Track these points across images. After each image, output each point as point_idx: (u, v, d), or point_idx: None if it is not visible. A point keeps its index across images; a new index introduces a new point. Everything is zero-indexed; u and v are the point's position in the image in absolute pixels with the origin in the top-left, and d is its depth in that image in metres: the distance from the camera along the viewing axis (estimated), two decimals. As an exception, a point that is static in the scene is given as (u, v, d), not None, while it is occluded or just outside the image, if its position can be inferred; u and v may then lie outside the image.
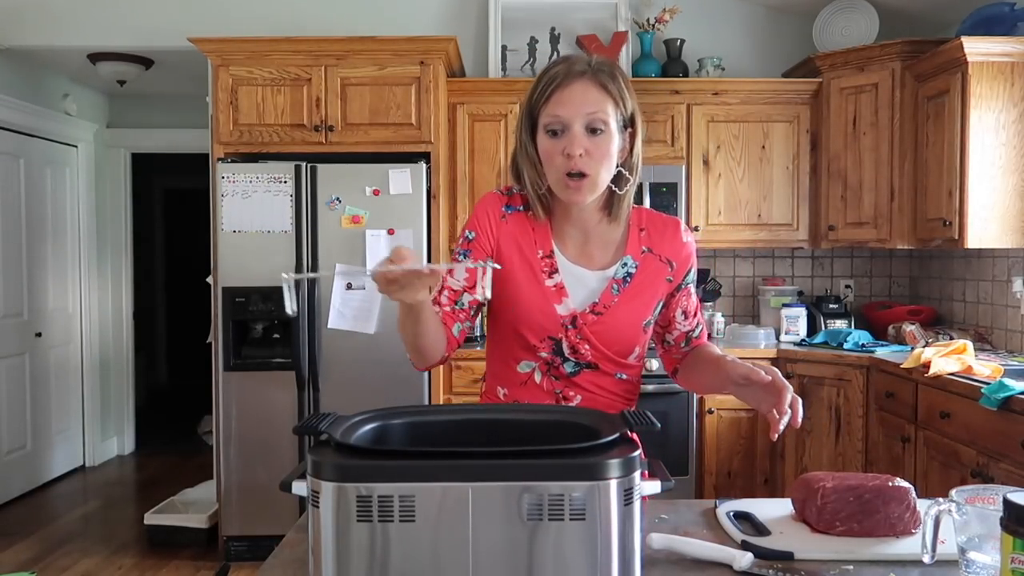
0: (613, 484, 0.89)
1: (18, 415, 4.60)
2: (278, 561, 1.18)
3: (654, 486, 0.95)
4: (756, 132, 3.91)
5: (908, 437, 3.09)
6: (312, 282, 3.48)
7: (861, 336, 3.66)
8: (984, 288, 3.67)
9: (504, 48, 4.09)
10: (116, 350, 5.47)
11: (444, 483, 0.88)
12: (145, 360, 6.98)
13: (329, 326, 3.46)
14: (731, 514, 1.35)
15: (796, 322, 3.85)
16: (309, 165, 3.50)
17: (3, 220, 4.48)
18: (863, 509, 1.25)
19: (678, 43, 4.06)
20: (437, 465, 0.89)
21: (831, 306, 3.98)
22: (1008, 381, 2.53)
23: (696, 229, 3.90)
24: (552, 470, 0.89)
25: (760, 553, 1.18)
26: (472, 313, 1.45)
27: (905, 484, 1.28)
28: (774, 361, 3.67)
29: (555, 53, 4.10)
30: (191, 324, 7.13)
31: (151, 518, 3.78)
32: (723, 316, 4.17)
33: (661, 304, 1.48)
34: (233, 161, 3.55)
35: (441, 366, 1.52)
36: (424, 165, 3.49)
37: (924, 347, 3.17)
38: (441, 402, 3.55)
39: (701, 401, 3.63)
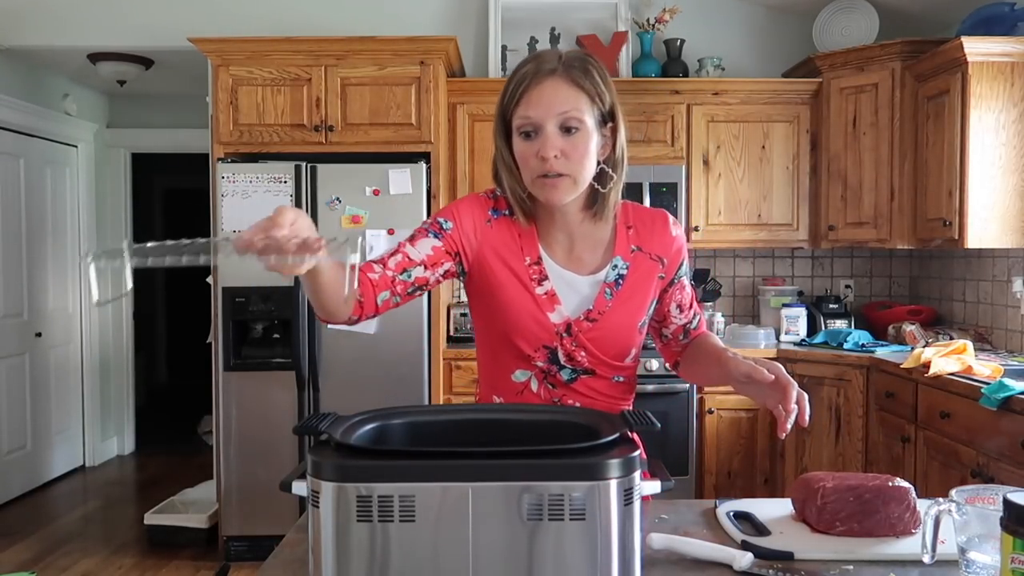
0: (613, 484, 0.89)
1: (18, 415, 4.60)
2: (278, 561, 1.18)
3: (654, 486, 0.95)
4: (756, 132, 3.91)
5: (908, 437, 3.09)
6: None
7: (861, 336, 3.66)
8: (984, 288, 3.67)
9: (504, 48, 4.09)
10: (116, 350, 5.47)
11: (444, 483, 0.88)
12: (145, 360, 6.98)
13: (329, 326, 3.45)
14: (731, 514, 1.35)
15: (796, 322, 3.85)
16: (309, 165, 3.50)
17: (3, 220, 4.48)
18: (863, 509, 1.25)
19: (678, 43, 4.06)
20: (437, 465, 0.89)
21: (831, 306, 3.99)
22: (1008, 381, 2.53)
23: (696, 229, 3.90)
24: (552, 470, 0.89)
25: (760, 553, 1.18)
26: (410, 291, 1.35)
27: (905, 484, 1.28)
28: (774, 361, 3.66)
29: (555, 53, 4.10)
30: (191, 324, 7.13)
31: (151, 518, 3.78)
32: (723, 316, 4.17)
33: (655, 302, 1.46)
34: (233, 161, 3.55)
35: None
36: (424, 165, 3.49)
37: (924, 347, 3.17)
38: (441, 402, 3.55)
39: (701, 401, 3.64)
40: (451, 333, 3.87)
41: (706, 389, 3.63)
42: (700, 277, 4.06)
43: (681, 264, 1.47)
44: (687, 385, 3.55)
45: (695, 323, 1.53)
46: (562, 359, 1.39)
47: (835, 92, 3.82)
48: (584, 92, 1.32)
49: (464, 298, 3.91)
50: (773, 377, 1.23)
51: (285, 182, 3.50)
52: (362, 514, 0.88)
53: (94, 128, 5.30)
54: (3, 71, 4.44)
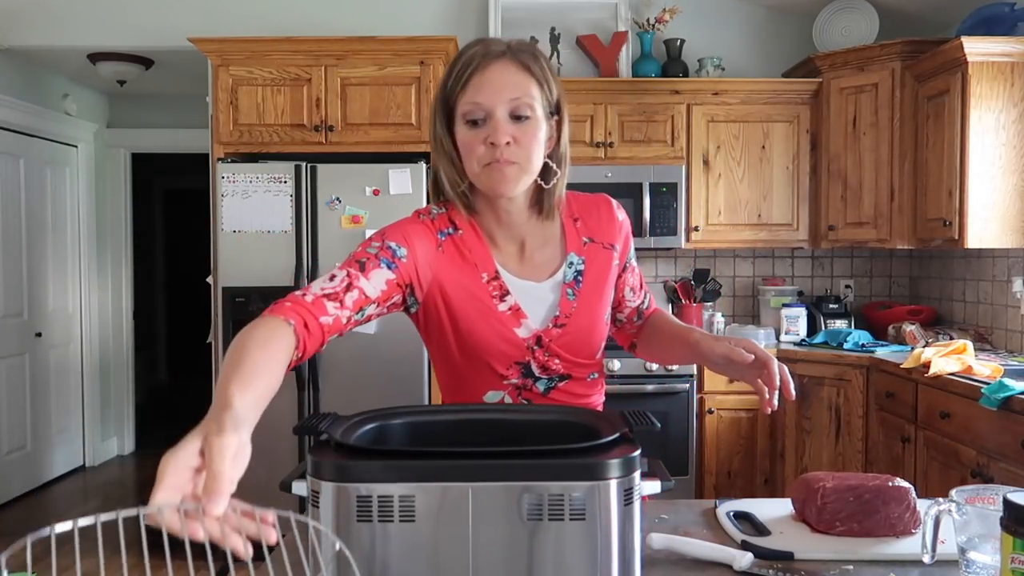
0: (613, 484, 0.89)
1: (18, 415, 4.60)
2: (278, 561, 1.18)
3: (654, 486, 0.95)
4: (756, 132, 3.91)
5: (908, 437, 3.09)
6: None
7: (861, 336, 3.66)
8: (984, 288, 3.67)
9: (504, 48, 4.09)
10: (116, 350, 5.47)
11: (444, 483, 0.88)
12: (145, 360, 6.99)
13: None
14: (731, 514, 1.34)
15: (796, 322, 3.85)
16: (309, 165, 3.50)
17: (3, 220, 4.48)
18: (863, 509, 1.25)
19: (678, 43, 4.06)
20: (437, 465, 0.89)
21: (831, 306, 3.98)
22: (1008, 381, 2.53)
23: (696, 229, 3.90)
24: (552, 470, 0.89)
25: (760, 553, 1.18)
26: (356, 327, 1.24)
27: (905, 484, 1.27)
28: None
29: (555, 53, 4.10)
30: (191, 324, 7.14)
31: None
32: (723, 316, 4.17)
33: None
34: (233, 161, 3.55)
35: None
36: (424, 165, 3.49)
37: (924, 347, 3.17)
38: (441, 402, 3.55)
39: (701, 401, 3.63)
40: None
41: (706, 389, 3.62)
42: (700, 277, 4.06)
43: (629, 247, 1.44)
44: (687, 385, 3.55)
45: (647, 303, 1.52)
46: (536, 371, 1.34)
47: (835, 92, 3.82)
48: (534, 78, 1.24)
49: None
50: (752, 358, 1.21)
51: (285, 182, 3.50)
52: (362, 514, 0.88)
53: (94, 128, 5.30)
54: (3, 71, 4.44)
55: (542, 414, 1.18)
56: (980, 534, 1.01)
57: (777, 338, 3.85)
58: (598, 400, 1.45)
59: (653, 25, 4.03)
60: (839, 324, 3.89)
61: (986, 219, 3.23)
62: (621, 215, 1.42)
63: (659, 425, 1.02)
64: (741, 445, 3.68)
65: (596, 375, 1.42)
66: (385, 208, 3.46)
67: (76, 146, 5.16)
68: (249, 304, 3.51)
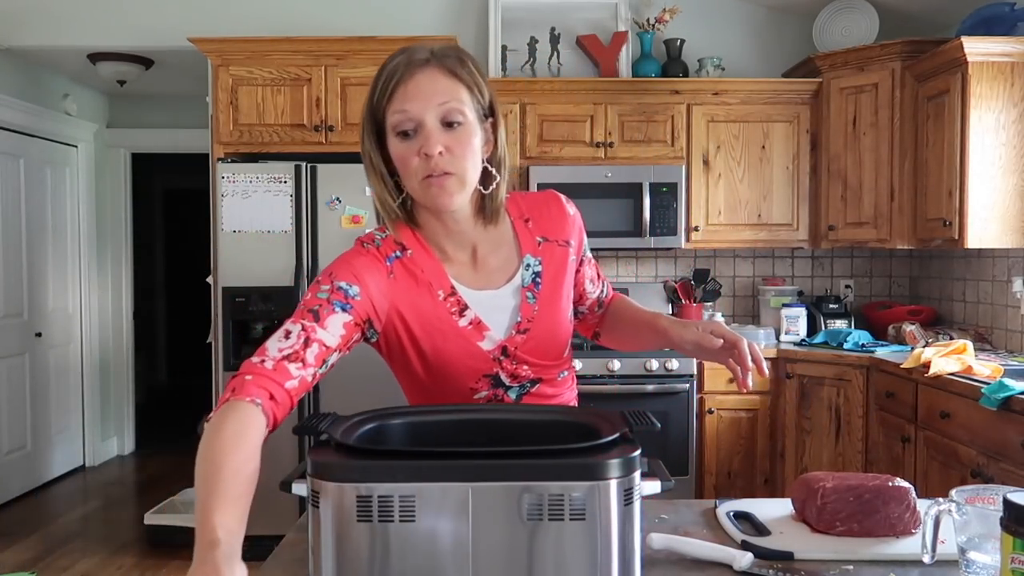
0: (613, 484, 0.89)
1: (18, 415, 4.60)
2: (278, 561, 1.18)
3: (654, 486, 0.95)
4: (756, 132, 3.91)
5: (908, 437, 3.09)
6: (311, 282, 3.48)
7: (861, 336, 3.66)
8: (984, 288, 3.67)
9: (504, 48, 4.09)
10: (116, 350, 5.47)
11: (444, 483, 0.88)
12: (145, 360, 6.99)
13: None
14: (731, 514, 1.34)
15: (796, 322, 3.85)
16: (309, 165, 3.50)
17: (3, 220, 4.49)
18: (863, 509, 1.25)
19: (678, 43, 4.06)
20: (437, 465, 0.89)
21: (831, 306, 3.98)
22: (1008, 381, 2.53)
23: (696, 229, 3.90)
24: (552, 470, 0.89)
25: (760, 553, 1.18)
26: (325, 373, 1.18)
27: (905, 484, 1.27)
28: (774, 361, 3.67)
29: (555, 53, 4.10)
30: (191, 324, 7.13)
31: (151, 518, 3.78)
32: (723, 316, 4.17)
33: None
34: (233, 161, 3.55)
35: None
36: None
37: (924, 347, 3.17)
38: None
39: (701, 401, 3.63)
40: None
41: (706, 389, 3.62)
42: (700, 277, 4.06)
43: (584, 240, 1.42)
44: (687, 385, 3.54)
45: (606, 291, 1.52)
46: (506, 380, 1.32)
47: (835, 92, 3.82)
48: (462, 82, 1.20)
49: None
50: (720, 342, 1.23)
51: (285, 182, 3.50)
52: (362, 514, 0.88)
53: (94, 128, 5.30)
54: (3, 71, 4.44)
55: (542, 414, 1.18)
56: (980, 534, 1.01)
57: (777, 338, 3.85)
58: (570, 397, 1.45)
59: (653, 25, 4.03)
60: (839, 324, 3.89)
61: (986, 219, 3.22)
62: (572, 209, 1.40)
63: (659, 425, 1.02)
64: (741, 445, 3.68)
65: (566, 373, 1.41)
66: (385, 208, 3.46)
67: (76, 146, 5.16)
68: (249, 304, 3.51)
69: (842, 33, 3.92)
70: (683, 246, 3.87)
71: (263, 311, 3.51)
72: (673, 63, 4.05)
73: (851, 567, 1.16)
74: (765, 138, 3.91)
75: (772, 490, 3.67)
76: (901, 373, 3.12)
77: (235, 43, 3.60)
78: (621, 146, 3.86)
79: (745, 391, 1.23)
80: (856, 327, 3.87)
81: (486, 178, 1.26)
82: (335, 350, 1.17)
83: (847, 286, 4.28)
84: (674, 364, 3.54)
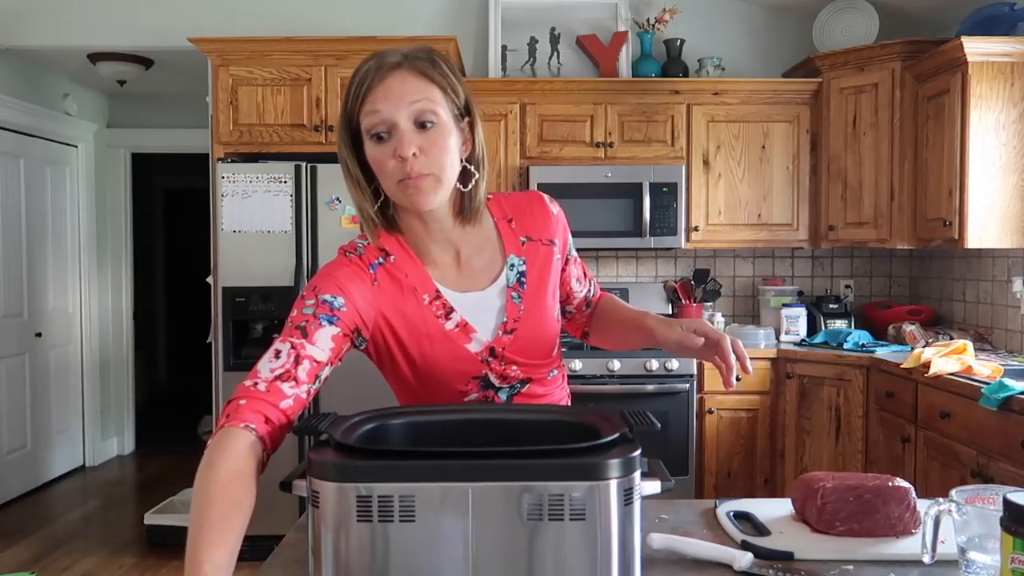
0: (613, 484, 0.89)
1: (18, 415, 4.60)
2: (278, 561, 1.18)
3: (654, 486, 0.95)
4: (756, 132, 3.91)
5: (908, 437, 3.09)
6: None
7: (861, 336, 3.66)
8: (984, 288, 3.67)
9: (504, 48, 4.09)
10: (116, 350, 5.47)
11: (444, 483, 0.88)
12: (145, 360, 6.99)
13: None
14: (731, 514, 1.34)
15: (796, 322, 3.85)
16: (309, 165, 3.50)
17: (3, 220, 4.49)
18: (863, 509, 1.25)
19: (678, 43, 4.06)
20: (437, 465, 0.89)
21: (831, 306, 3.99)
22: (1008, 381, 2.53)
23: (696, 229, 3.90)
24: (552, 470, 0.89)
25: (760, 553, 1.18)
26: (319, 388, 1.19)
27: (905, 484, 1.27)
28: (774, 361, 3.67)
29: (555, 53, 4.10)
30: (191, 324, 7.14)
31: (151, 518, 3.78)
32: (723, 316, 4.17)
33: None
34: (233, 161, 3.55)
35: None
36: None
37: (924, 347, 3.17)
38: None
39: (701, 401, 3.63)
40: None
41: (706, 389, 3.62)
42: (700, 277, 4.06)
43: (569, 239, 1.42)
44: (687, 385, 3.54)
45: (593, 290, 1.52)
46: (495, 382, 1.32)
47: (835, 92, 3.82)
48: (434, 83, 1.19)
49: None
50: (703, 340, 1.24)
51: (285, 182, 3.50)
52: (362, 514, 0.88)
53: (94, 128, 5.30)
54: (3, 71, 4.44)
55: (542, 414, 1.18)
56: (980, 534, 1.01)
57: (777, 338, 3.85)
58: (561, 396, 1.45)
59: (653, 25, 4.03)
60: (839, 324, 3.89)
61: (986, 219, 3.23)
62: (555, 208, 1.40)
63: (659, 425, 1.02)
64: (741, 445, 3.68)
65: (555, 372, 1.41)
66: (385, 208, 3.46)
67: (76, 146, 5.16)
68: (249, 304, 3.51)
69: (842, 33, 3.92)
70: (683, 246, 3.87)
71: (263, 311, 3.51)
72: (673, 63, 4.05)
73: (851, 567, 1.16)
74: (765, 138, 3.92)
75: (772, 490, 3.67)
76: (901, 373, 3.12)
77: (235, 43, 3.60)
78: (621, 146, 3.87)
79: (728, 389, 1.23)
80: (856, 327, 3.87)
81: (465, 177, 1.26)
82: (326, 364, 1.18)
83: (847, 286, 4.28)
84: (674, 364, 3.54)
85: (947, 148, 3.33)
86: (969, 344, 3.02)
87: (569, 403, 1.49)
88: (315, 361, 1.16)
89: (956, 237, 3.27)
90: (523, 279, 1.33)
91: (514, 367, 1.32)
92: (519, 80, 3.90)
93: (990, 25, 3.31)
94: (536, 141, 3.85)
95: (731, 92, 3.88)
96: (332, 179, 3.49)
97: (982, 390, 2.57)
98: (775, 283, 4.17)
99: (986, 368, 2.79)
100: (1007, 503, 0.93)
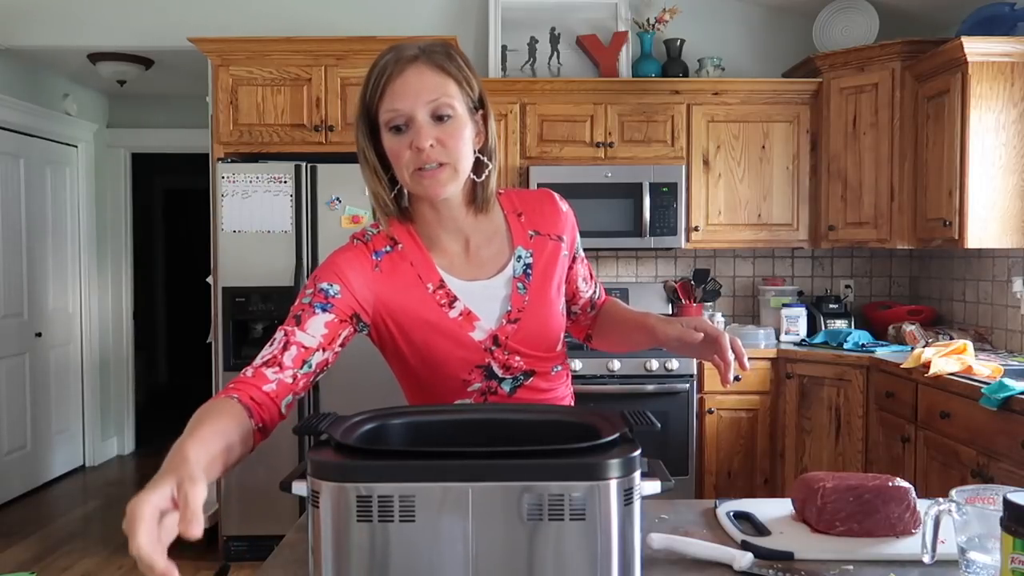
0: (613, 484, 0.89)
1: (18, 415, 4.61)
2: (278, 561, 1.18)
3: (654, 486, 0.95)
4: (756, 132, 3.91)
5: (908, 437, 3.09)
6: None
7: (861, 336, 3.66)
8: (984, 288, 3.67)
9: (504, 48, 4.09)
10: (116, 350, 5.47)
11: (444, 483, 0.88)
12: (145, 360, 6.98)
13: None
14: (731, 514, 1.34)
15: (796, 322, 3.85)
16: (309, 165, 3.50)
17: (3, 220, 4.49)
18: (863, 509, 1.25)
19: (678, 43, 4.06)
20: (437, 465, 0.89)
21: (831, 306, 3.99)
22: (1008, 381, 2.53)
23: (696, 229, 3.90)
24: (552, 470, 0.89)
25: (760, 553, 1.18)
26: (313, 380, 1.22)
27: (905, 484, 1.27)
28: (774, 361, 3.67)
29: (555, 53, 4.10)
30: (191, 324, 7.14)
31: (151, 518, 3.77)
32: (723, 316, 4.17)
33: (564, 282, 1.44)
34: (233, 161, 3.55)
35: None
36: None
37: (924, 347, 3.17)
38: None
39: (701, 401, 3.63)
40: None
41: (706, 389, 3.62)
42: (700, 277, 4.06)
43: (577, 238, 1.45)
44: (687, 385, 3.55)
45: (599, 293, 1.54)
46: (499, 372, 1.33)
47: (835, 92, 3.82)
48: (451, 77, 1.23)
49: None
50: (702, 335, 1.24)
51: (285, 182, 3.50)
52: (362, 514, 0.88)
53: (94, 128, 5.30)
54: (3, 71, 4.44)
55: (542, 414, 1.18)
56: (980, 534, 1.01)
57: (777, 338, 3.85)
58: (564, 393, 1.46)
59: (653, 25, 4.03)
60: (839, 324, 3.89)
61: (986, 219, 3.23)
62: (565, 206, 1.43)
63: (659, 425, 1.02)
64: (741, 445, 3.68)
65: (559, 368, 1.42)
66: (385, 208, 3.46)
67: (76, 146, 5.16)
68: (249, 304, 3.51)
69: (842, 33, 3.92)
70: (683, 246, 3.87)
71: (263, 311, 3.52)
72: (673, 63, 4.06)
73: (851, 567, 1.16)
74: (765, 138, 3.92)
75: (772, 490, 3.67)
76: (901, 373, 3.12)
77: (235, 43, 3.60)
78: (621, 146, 3.87)
79: (726, 386, 1.24)
80: (856, 327, 3.87)
81: (478, 167, 1.30)
82: (316, 350, 1.21)
83: (847, 286, 4.28)
84: (674, 364, 3.54)
85: (947, 148, 3.33)
86: (969, 344, 3.02)
87: (573, 403, 1.50)
88: (303, 347, 1.19)
89: (956, 237, 3.27)
90: (529, 271, 1.35)
91: (517, 358, 1.33)
92: (519, 80, 3.90)
93: (990, 25, 3.31)
94: (536, 141, 3.85)
95: (731, 92, 3.88)
96: (332, 179, 3.49)
97: (982, 390, 2.57)
98: (775, 283, 4.17)
99: (986, 368, 2.79)
100: (1007, 503, 0.93)
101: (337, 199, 3.49)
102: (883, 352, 3.45)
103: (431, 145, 1.20)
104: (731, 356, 1.22)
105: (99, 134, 5.36)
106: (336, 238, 3.48)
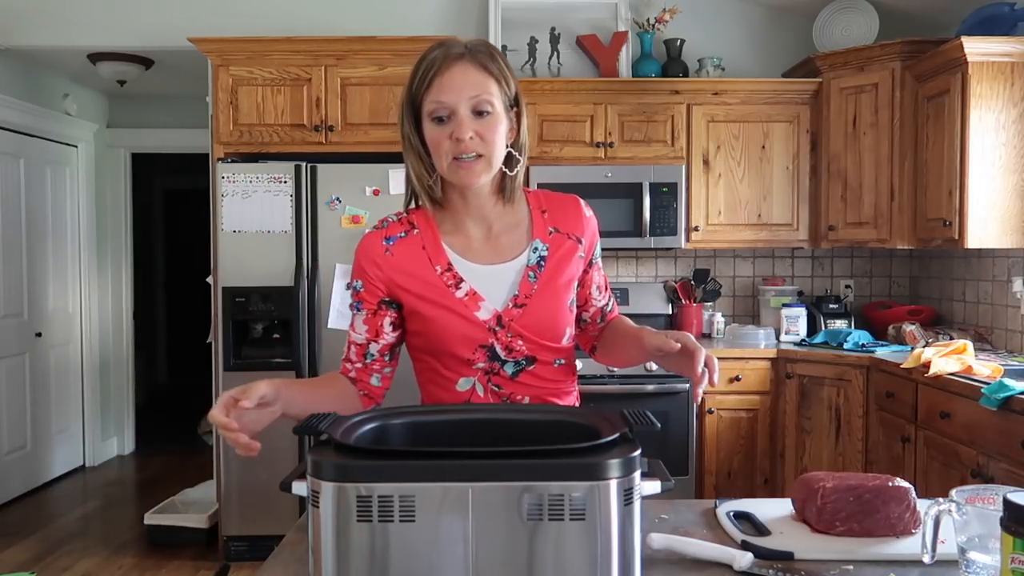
0: (613, 484, 0.89)
1: (18, 415, 4.60)
2: (278, 561, 1.18)
3: (654, 486, 0.95)
4: (756, 132, 3.91)
5: (908, 437, 3.09)
6: (312, 282, 3.48)
7: (861, 336, 3.66)
8: (984, 288, 3.67)
9: (504, 48, 4.09)
10: (116, 350, 5.47)
11: (444, 483, 0.88)
12: (145, 360, 6.98)
13: (329, 326, 3.46)
14: (731, 514, 1.35)
15: (796, 322, 3.85)
16: (309, 165, 3.50)
17: (3, 220, 4.49)
18: (863, 509, 1.25)
19: (678, 43, 4.06)
20: (437, 465, 0.89)
21: (831, 306, 3.99)
22: (1008, 381, 2.53)
23: (696, 229, 3.90)
24: (552, 470, 0.89)
25: (760, 553, 1.18)
26: (388, 358, 1.43)
27: (905, 484, 1.28)
28: (774, 361, 3.67)
29: (555, 53, 4.10)
30: (191, 324, 7.14)
31: (151, 518, 3.78)
32: (723, 316, 4.17)
33: (578, 284, 1.48)
34: (233, 161, 3.55)
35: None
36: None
37: (924, 347, 3.17)
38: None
39: (701, 401, 3.63)
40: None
41: (706, 389, 3.62)
42: (700, 277, 4.06)
43: (596, 245, 1.51)
44: (687, 385, 3.54)
45: (611, 305, 1.58)
46: (501, 353, 1.38)
47: (835, 92, 3.82)
48: (492, 76, 1.34)
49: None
50: (679, 346, 1.27)
51: (285, 182, 3.50)
52: (362, 514, 0.88)
53: (94, 128, 5.30)
54: (3, 71, 4.44)
55: (542, 414, 1.18)
56: (980, 534, 1.01)
57: (777, 338, 3.85)
58: (569, 389, 1.48)
59: (653, 25, 4.03)
60: (839, 324, 3.89)
61: (986, 219, 3.23)
62: (589, 212, 1.50)
63: (659, 425, 1.02)
64: (741, 445, 3.68)
65: (563, 362, 1.45)
66: (385, 208, 3.44)
67: (76, 146, 5.16)
68: (249, 304, 3.51)
69: (842, 33, 3.92)
70: (683, 246, 3.87)
71: (263, 311, 3.52)
72: (673, 63, 4.05)
73: (851, 567, 1.16)
74: (765, 138, 3.92)
75: (772, 490, 3.67)
76: (901, 373, 3.12)
77: (235, 43, 3.60)
78: (621, 146, 3.87)
79: (696, 402, 1.27)
80: (856, 327, 3.87)
81: (509, 160, 1.40)
82: (367, 343, 1.42)
83: (847, 286, 4.28)
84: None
85: (947, 148, 3.33)
86: (969, 344, 3.02)
87: (577, 404, 1.51)
88: (356, 344, 1.43)
89: (956, 237, 3.27)
90: (543, 263, 1.42)
91: (520, 341, 1.39)
92: (519, 80, 3.89)
93: (990, 25, 3.31)
94: (536, 141, 3.85)
95: (731, 92, 3.88)
96: (332, 179, 3.49)
97: (982, 390, 2.57)
98: (775, 283, 4.17)
99: (986, 368, 2.79)
100: (1007, 503, 0.93)
101: (337, 199, 3.49)
102: (883, 352, 3.45)
103: (471, 137, 1.31)
104: (700, 369, 1.24)
105: (99, 134, 5.36)
106: (336, 238, 3.48)
